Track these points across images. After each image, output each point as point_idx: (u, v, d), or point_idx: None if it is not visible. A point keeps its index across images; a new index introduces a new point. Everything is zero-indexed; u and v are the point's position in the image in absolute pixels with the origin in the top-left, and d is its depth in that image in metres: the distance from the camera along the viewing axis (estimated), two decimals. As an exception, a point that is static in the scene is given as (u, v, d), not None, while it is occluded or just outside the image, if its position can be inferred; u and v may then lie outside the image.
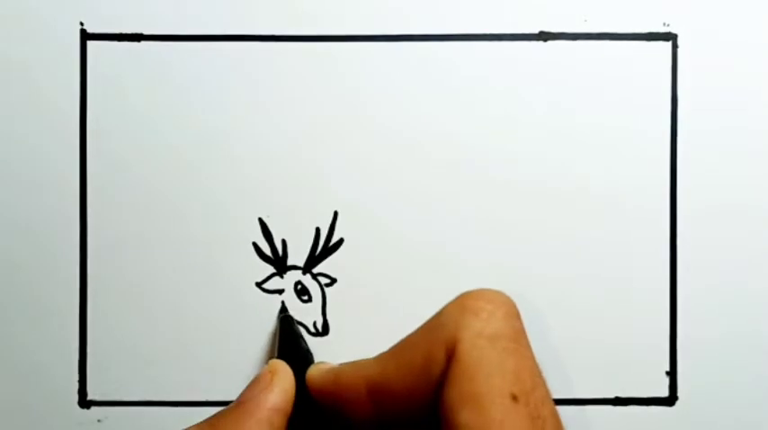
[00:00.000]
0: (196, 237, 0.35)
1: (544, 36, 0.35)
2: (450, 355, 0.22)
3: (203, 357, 0.35)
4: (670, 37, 0.35)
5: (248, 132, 0.35)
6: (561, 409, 0.35)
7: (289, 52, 0.35)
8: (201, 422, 0.26)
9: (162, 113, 0.35)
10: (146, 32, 0.35)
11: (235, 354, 0.35)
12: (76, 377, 0.35)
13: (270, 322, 0.35)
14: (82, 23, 0.35)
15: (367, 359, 0.25)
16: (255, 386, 0.27)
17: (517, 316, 0.24)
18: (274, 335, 0.34)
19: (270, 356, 0.34)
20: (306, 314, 0.35)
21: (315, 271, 0.35)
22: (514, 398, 0.21)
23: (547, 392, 0.23)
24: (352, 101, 0.35)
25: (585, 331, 0.35)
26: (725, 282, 0.35)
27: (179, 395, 0.34)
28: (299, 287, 0.35)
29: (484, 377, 0.21)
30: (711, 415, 0.35)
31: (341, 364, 0.27)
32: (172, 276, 0.35)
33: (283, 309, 0.35)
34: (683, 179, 0.35)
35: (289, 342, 0.32)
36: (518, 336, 0.23)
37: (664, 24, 0.35)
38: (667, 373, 0.35)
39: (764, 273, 0.35)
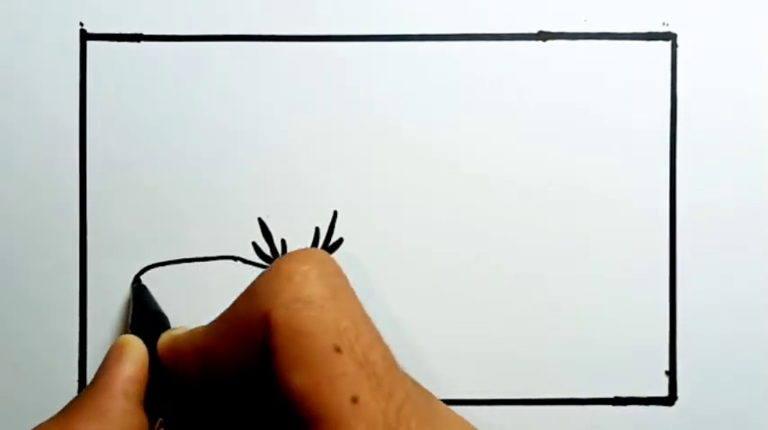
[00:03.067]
0: (196, 237, 0.35)
1: (544, 36, 0.35)
2: (268, 323, 0.22)
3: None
4: (669, 36, 0.35)
5: (248, 132, 0.35)
6: (561, 409, 0.35)
7: (289, 52, 0.35)
8: (56, 414, 0.26)
9: (162, 113, 0.35)
10: (145, 32, 0.35)
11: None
12: (76, 377, 0.35)
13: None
14: (82, 23, 0.35)
15: (201, 326, 0.26)
16: (106, 363, 0.26)
17: (335, 273, 0.24)
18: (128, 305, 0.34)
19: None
20: (306, 314, 0.35)
21: (315, 271, 0.35)
22: (337, 349, 0.21)
23: (375, 338, 0.23)
24: (352, 101, 0.35)
25: (585, 331, 0.35)
26: (725, 282, 0.35)
27: (179, 395, 0.34)
28: (299, 287, 0.35)
29: (304, 337, 0.22)
30: (711, 415, 0.35)
31: (182, 330, 0.27)
32: (171, 276, 0.35)
33: (136, 280, 0.35)
34: (682, 179, 0.35)
35: (143, 308, 0.33)
36: (336, 293, 0.23)
37: (663, 24, 0.35)
38: (667, 373, 0.35)
39: (764, 273, 0.35)
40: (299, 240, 0.35)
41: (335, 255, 0.35)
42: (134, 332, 0.29)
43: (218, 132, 0.35)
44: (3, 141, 0.35)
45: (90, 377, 0.34)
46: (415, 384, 0.25)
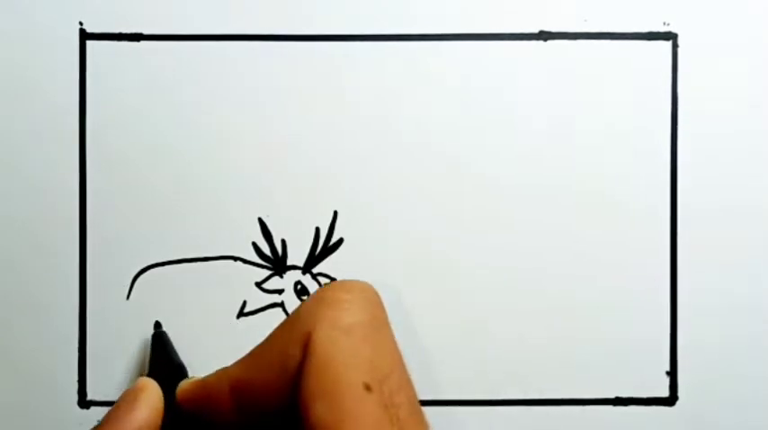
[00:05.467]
0: (196, 237, 0.35)
1: (544, 36, 0.35)
2: (307, 347, 0.22)
3: (202, 358, 0.35)
4: (670, 36, 0.35)
5: (248, 132, 0.35)
6: (561, 409, 0.35)
7: (289, 52, 0.35)
8: None
9: (161, 113, 0.35)
10: (145, 32, 0.35)
11: (234, 355, 0.35)
12: (76, 377, 0.35)
13: (269, 321, 0.35)
14: (81, 23, 0.35)
15: (231, 364, 0.25)
16: (121, 405, 0.26)
17: (377, 304, 0.24)
18: (146, 351, 0.34)
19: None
20: (306, 314, 0.35)
21: (314, 271, 0.35)
22: (367, 387, 0.21)
23: (404, 379, 0.22)
24: (352, 101, 0.35)
25: (585, 331, 0.35)
26: (725, 283, 0.35)
27: (179, 395, 0.34)
28: (299, 287, 0.35)
29: (337, 368, 0.21)
30: (711, 415, 0.35)
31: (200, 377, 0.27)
32: (171, 276, 0.35)
33: (157, 326, 0.34)
34: (683, 179, 0.35)
35: (161, 358, 0.32)
36: (377, 324, 0.23)
37: (664, 24, 0.35)
38: (667, 373, 0.35)
39: (764, 274, 0.35)
40: (299, 240, 0.35)
41: (335, 255, 0.35)
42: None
43: (217, 132, 0.35)
44: (3, 141, 0.35)
45: (89, 378, 0.35)
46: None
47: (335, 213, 0.35)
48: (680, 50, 0.35)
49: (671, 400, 0.35)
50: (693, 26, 0.35)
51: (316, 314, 0.23)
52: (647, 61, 0.35)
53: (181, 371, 0.31)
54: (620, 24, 0.35)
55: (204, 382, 0.26)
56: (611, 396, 0.35)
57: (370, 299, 0.24)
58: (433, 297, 0.35)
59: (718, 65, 0.35)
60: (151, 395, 0.26)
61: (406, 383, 0.22)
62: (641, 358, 0.35)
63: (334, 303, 0.23)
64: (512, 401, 0.35)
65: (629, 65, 0.35)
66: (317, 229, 0.35)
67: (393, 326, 0.35)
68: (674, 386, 0.35)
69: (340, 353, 0.21)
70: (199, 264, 0.35)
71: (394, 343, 0.23)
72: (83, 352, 0.35)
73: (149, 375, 0.31)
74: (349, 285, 0.24)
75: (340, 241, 0.35)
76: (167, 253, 0.35)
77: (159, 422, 0.26)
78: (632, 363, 0.35)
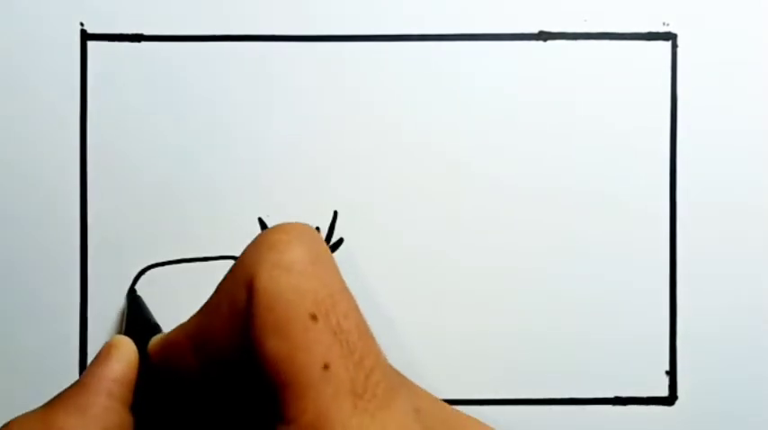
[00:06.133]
0: (196, 237, 0.35)
1: (544, 36, 0.35)
2: (251, 289, 0.23)
3: (203, 357, 0.35)
4: (669, 36, 0.35)
5: (248, 132, 0.35)
6: (561, 409, 0.35)
7: (288, 52, 0.35)
8: (39, 407, 0.26)
9: (162, 114, 0.35)
10: (146, 33, 0.35)
11: (235, 354, 0.35)
12: (76, 377, 0.35)
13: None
14: (82, 24, 0.35)
15: (189, 317, 0.26)
16: (95, 361, 0.27)
17: (316, 240, 0.24)
18: (122, 313, 0.35)
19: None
20: (306, 314, 0.35)
21: (315, 271, 0.35)
22: (313, 317, 0.22)
23: (351, 307, 0.23)
24: (352, 101, 0.35)
25: (585, 331, 0.35)
26: (725, 282, 0.35)
27: (179, 395, 0.34)
28: (299, 287, 0.35)
29: (282, 304, 0.22)
30: (711, 414, 0.35)
31: None
32: (171, 276, 0.35)
33: (131, 290, 0.35)
34: (682, 179, 0.35)
35: (136, 318, 0.33)
36: (316, 259, 0.23)
37: (663, 24, 0.35)
38: (667, 373, 0.35)
39: (764, 273, 0.35)
40: (299, 240, 0.35)
41: (335, 255, 0.35)
42: None
43: (218, 132, 0.35)
44: (3, 141, 0.35)
45: (90, 377, 0.35)
46: (385, 358, 0.25)
47: (335, 213, 0.35)
48: (679, 50, 0.35)
49: (670, 400, 0.35)
50: (693, 26, 0.35)
51: (257, 257, 0.23)
52: (647, 61, 0.35)
53: (156, 331, 0.31)
54: (620, 24, 0.35)
55: (167, 337, 0.26)
56: (611, 395, 0.35)
57: (309, 237, 0.24)
58: (432, 296, 0.35)
59: (718, 65, 0.35)
60: (125, 350, 0.27)
61: (353, 311, 0.23)
62: (641, 357, 0.35)
63: (273, 245, 0.23)
64: (511, 401, 0.35)
65: (629, 65, 0.35)
66: (317, 229, 0.35)
67: (392, 325, 0.35)
68: (673, 385, 0.35)
69: (283, 290, 0.22)
70: (199, 263, 0.35)
71: (337, 274, 0.24)
72: (83, 352, 0.35)
73: (125, 334, 0.31)
74: (286, 227, 0.24)
75: (340, 241, 0.35)
76: (167, 253, 0.35)
77: (134, 376, 0.27)
78: (632, 363, 0.35)
